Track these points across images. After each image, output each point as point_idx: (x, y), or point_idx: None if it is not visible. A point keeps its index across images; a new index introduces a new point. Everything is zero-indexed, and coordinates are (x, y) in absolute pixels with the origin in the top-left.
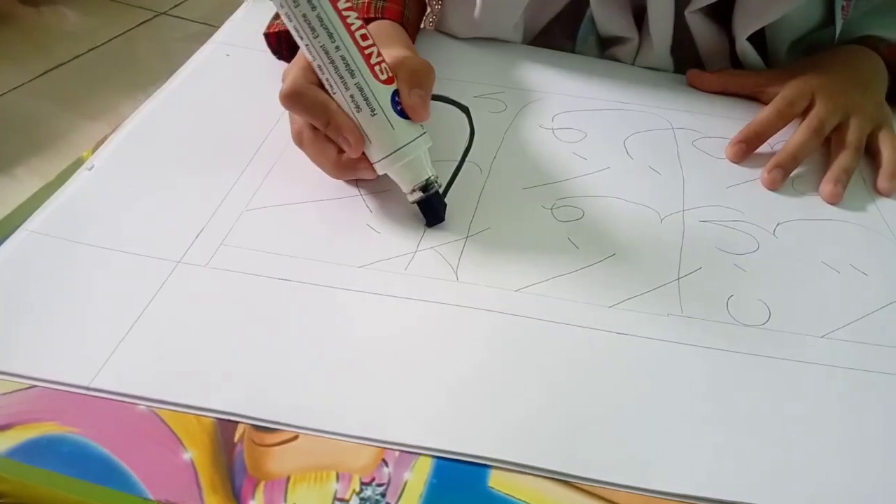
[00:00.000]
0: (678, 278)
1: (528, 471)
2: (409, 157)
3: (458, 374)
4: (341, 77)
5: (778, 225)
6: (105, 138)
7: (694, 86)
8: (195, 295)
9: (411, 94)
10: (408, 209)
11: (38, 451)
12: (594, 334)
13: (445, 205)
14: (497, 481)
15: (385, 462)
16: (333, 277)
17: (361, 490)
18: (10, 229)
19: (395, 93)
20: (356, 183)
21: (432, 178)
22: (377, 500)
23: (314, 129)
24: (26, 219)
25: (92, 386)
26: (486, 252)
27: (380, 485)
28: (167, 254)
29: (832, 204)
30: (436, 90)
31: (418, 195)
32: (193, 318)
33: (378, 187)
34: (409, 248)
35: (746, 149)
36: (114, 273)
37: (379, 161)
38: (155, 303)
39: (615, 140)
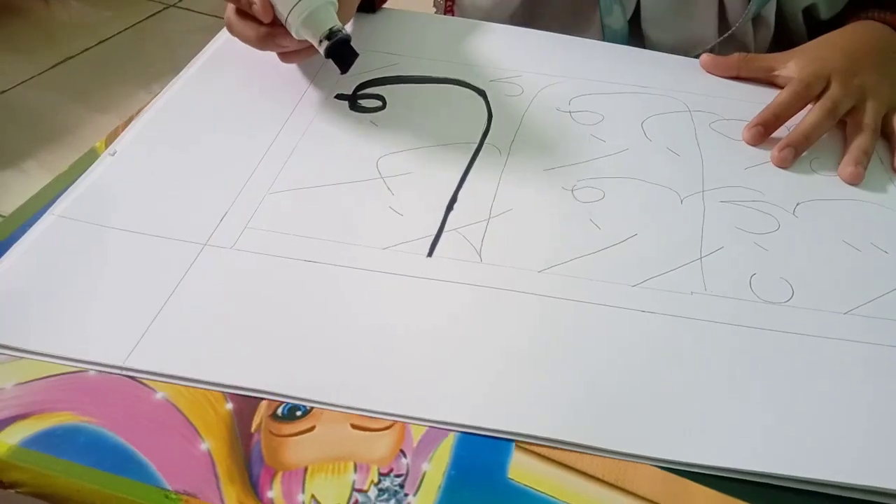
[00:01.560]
0: (700, 257)
1: (558, 445)
2: (309, 9)
3: (485, 352)
4: None
5: (798, 205)
6: (117, 129)
7: (708, 71)
8: (222, 277)
9: None
10: (430, 191)
11: (54, 441)
12: (619, 312)
13: (356, 54)
14: (516, 472)
15: (403, 453)
16: (357, 259)
17: (380, 481)
18: (22, 220)
19: None
20: (377, 170)
21: (335, 27)
22: (395, 492)
23: (238, 12)
24: (39, 210)
25: (126, 365)
26: (509, 233)
27: (398, 475)
28: (193, 236)
29: (853, 185)
30: (452, 75)
31: (325, 45)
32: (222, 299)
33: (399, 170)
34: (431, 230)
35: (764, 131)
36: (141, 255)
37: (287, 21)
38: (184, 284)
39: (633, 122)
